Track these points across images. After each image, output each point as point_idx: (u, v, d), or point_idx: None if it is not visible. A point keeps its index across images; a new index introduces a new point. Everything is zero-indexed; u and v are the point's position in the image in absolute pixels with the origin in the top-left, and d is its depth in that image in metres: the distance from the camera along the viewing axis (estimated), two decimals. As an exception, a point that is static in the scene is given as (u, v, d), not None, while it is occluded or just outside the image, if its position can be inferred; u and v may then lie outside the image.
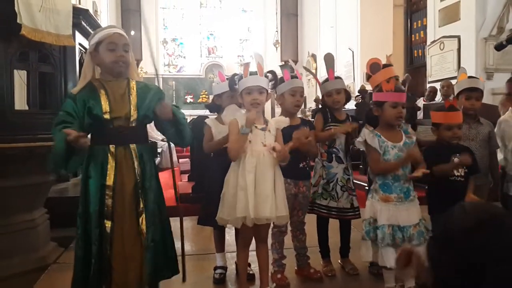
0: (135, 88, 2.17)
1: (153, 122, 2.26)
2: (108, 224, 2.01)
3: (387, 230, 2.34)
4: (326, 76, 2.88)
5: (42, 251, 3.24)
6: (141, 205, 2.09)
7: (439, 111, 2.54)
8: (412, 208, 2.41)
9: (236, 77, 2.47)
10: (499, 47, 1.75)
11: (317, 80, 2.93)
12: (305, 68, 4.39)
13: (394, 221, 2.36)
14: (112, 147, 2.08)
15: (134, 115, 2.11)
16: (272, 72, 2.60)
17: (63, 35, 3.02)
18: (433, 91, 7.31)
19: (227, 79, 2.65)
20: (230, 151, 2.33)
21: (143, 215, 2.08)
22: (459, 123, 2.47)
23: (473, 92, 2.74)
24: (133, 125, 2.12)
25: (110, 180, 2.04)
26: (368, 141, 2.48)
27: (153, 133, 7.55)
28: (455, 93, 2.84)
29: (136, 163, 2.10)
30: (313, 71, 13.02)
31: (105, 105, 2.08)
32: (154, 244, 2.11)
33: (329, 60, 2.90)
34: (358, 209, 2.84)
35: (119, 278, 2.01)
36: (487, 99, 5.28)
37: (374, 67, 2.78)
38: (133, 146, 2.12)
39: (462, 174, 2.48)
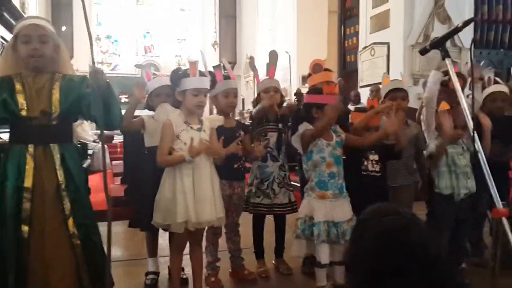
0: (59, 83, 2.03)
1: (82, 116, 2.09)
2: (25, 228, 1.89)
3: (323, 227, 2.39)
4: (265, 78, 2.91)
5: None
6: (69, 207, 1.97)
7: (359, 112, 2.65)
8: (345, 204, 2.49)
9: (180, 72, 2.35)
10: (423, 52, 1.84)
11: (257, 78, 2.93)
12: (250, 64, 4.38)
13: (330, 217, 2.41)
14: (30, 147, 1.95)
15: (55, 112, 1.98)
16: (211, 73, 2.56)
17: (-19, 26, 2.81)
18: (357, 95, 7.73)
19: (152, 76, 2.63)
20: (161, 162, 2.25)
21: (71, 218, 1.97)
22: (377, 125, 2.59)
23: (398, 93, 2.87)
24: (54, 123, 1.99)
25: (28, 182, 1.92)
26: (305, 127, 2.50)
27: (83, 133, 7.23)
28: (382, 97, 2.96)
29: (57, 164, 1.98)
30: (250, 73, 13.11)
31: (21, 101, 1.94)
32: (88, 245, 2.02)
33: (274, 57, 2.93)
34: (295, 203, 2.88)
35: (38, 281, 1.91)
36: (413, 103, 5.55)
37: (316, 68, 2.89)
38: (53, 145, 1.99)
39: (377, 169, 2.60)
